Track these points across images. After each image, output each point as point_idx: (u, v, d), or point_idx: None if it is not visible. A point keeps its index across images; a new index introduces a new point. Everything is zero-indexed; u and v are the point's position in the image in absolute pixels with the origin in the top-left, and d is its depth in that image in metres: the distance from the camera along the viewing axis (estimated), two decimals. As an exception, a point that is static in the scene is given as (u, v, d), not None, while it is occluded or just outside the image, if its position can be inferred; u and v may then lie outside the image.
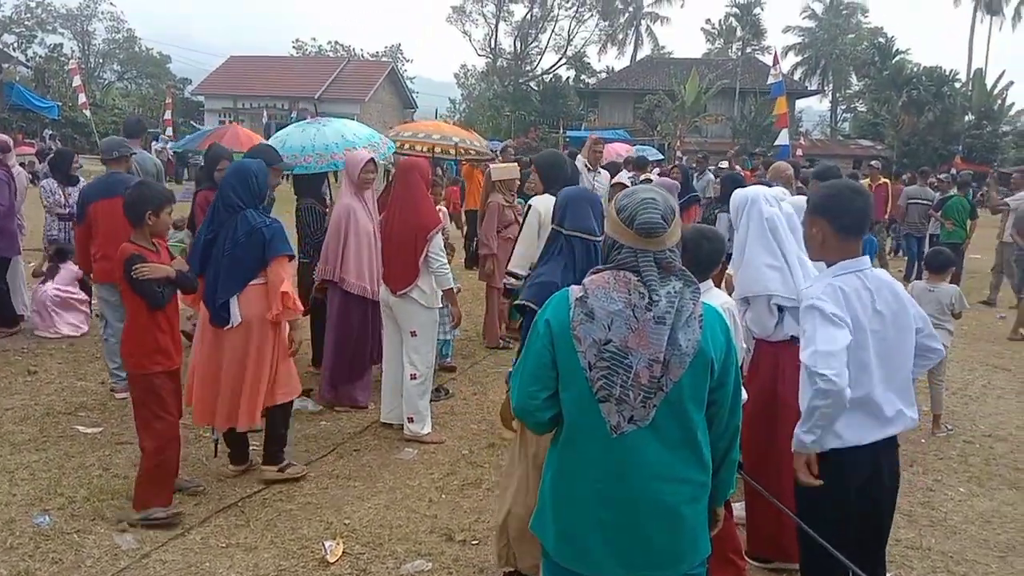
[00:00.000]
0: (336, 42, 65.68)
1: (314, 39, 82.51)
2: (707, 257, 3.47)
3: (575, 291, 2.27)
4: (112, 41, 62.46)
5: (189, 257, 4.59)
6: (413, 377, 5.32)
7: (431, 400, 5.59)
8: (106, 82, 57.77)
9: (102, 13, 60.71)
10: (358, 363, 5.96)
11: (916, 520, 4.59)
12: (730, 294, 4.17)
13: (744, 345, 3.78)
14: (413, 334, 5.34)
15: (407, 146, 9.33)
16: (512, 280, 5.51)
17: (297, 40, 66.12)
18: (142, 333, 4.04)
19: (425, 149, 9.20)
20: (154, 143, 25.35)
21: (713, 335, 2.27)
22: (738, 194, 4.07)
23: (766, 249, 3.84)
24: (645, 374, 2.18)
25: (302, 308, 4.61)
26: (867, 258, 3.01)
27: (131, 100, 49.03)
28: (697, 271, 3.43)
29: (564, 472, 2.35)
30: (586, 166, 8.73)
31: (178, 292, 4.31)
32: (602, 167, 9.47)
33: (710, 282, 3.57)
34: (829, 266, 3.02)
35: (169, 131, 28.35)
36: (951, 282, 6.46)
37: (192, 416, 4.54)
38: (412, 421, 5.37)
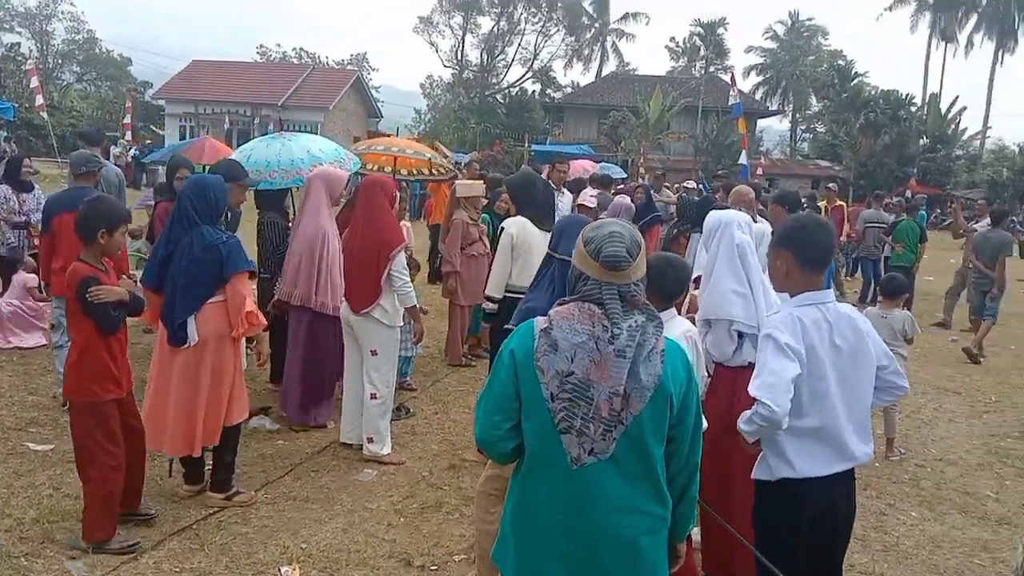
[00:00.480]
0: (301, 49, 65.10)
1: (279, 45, 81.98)
2: (672, 285, 3.54)
3: (540, 322, 2.30)
4: (71, 42, 61.36)
5: (146, 272, 4.49)
6: (373, 396, 5.27)
7: (391, 419, 5.55)
8: (64, 83, 56.73)
9: (62, 13, 59.70)
10: (327, 384, 5.91)
11: (869, 545, 4.66)
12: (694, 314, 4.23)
13: (705, 373, 3.80)
14: (374, 353, 5.28)
15: (377, 167, 9.24)
16: (489, 304, 5.54)
17: (261, 46, 65.63)
18: (94, 359, 3.87)
19: (381, 168, 9.13)
20: (113, 148, 24.96)
21: (674, 370, 2.30)
22: (712, 216, 4.13)
23: (733, 274, 3.89)
24: (606, 407, 2.21)
25: (265, 323, 4.55)
26: (830, 291, 3.09)
27: (90, 103, 48.25)
28: (661, 299, 3.50)
29: (525, 502, 2.36)
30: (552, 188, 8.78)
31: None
32: (565, 186, 9.51)
33: (673, 310, 3.61)
34: (792, 297, 3.07)
35: (128, 135, 27.91)
36: (904, 305, 6.60)
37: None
38: (372, 441, 5.31)
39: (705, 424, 3.53)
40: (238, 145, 13.40)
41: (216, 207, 4.40)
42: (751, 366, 3.73)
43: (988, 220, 10.95)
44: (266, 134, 27.43)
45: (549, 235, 5.21)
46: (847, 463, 3.00)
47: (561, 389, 2.22)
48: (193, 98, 41.65)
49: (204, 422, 4.32)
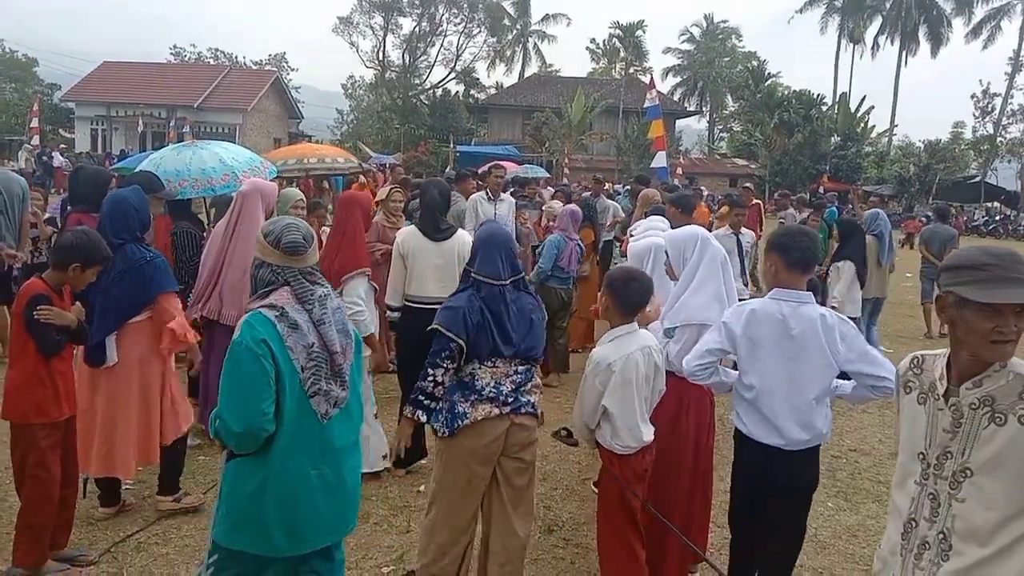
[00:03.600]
0: (217, 49, 63.65)
1: (193, 46, 79.99)
2: (636, 298, 3.57)
3: (269, 312, 2.68)
4: (-31, 41, 58.60)
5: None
6: None
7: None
8: (-38, 85, 54.11)
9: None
10: None
11: (789, 537, 4.80)
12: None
13: (663, 387, 3.77)
14: None
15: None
16: (390, 312, 5.47)
17: (175, 46, 63.76)
18: (27, 379, 3.69)
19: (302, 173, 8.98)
20: (21, 153, 24.00)
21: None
22: (687, 231, 4.20)
23: (715, 281, 4.00)
24: (336, 364, 2.75)
25: (193, 340, 4.46)
26: (808, 294, 3.36)
27: (-8, 105, 46.12)
28: (624, 312, 3.53)
29: (284, 472, 2.66)
30: (487, 196, 8.70)
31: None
32: (504, 190, 9.25)
33: (635, 323, 3.62)
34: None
35: (35, 139, 26.83)
36: (821, 302, 6.86)
37: None
38: None
39: (652, 428, 3.65)
40: (153, 148, 13.04)
41: (140, 223, 4.31)
42: None
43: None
44: (181, 137, 26.83)
45: (439, 245, 5.21)
46: (782, 441, 3.31)
47: (308, 359, 2.68)
48: (105, 100, 40.34)
49: (138, 443, 4.23)
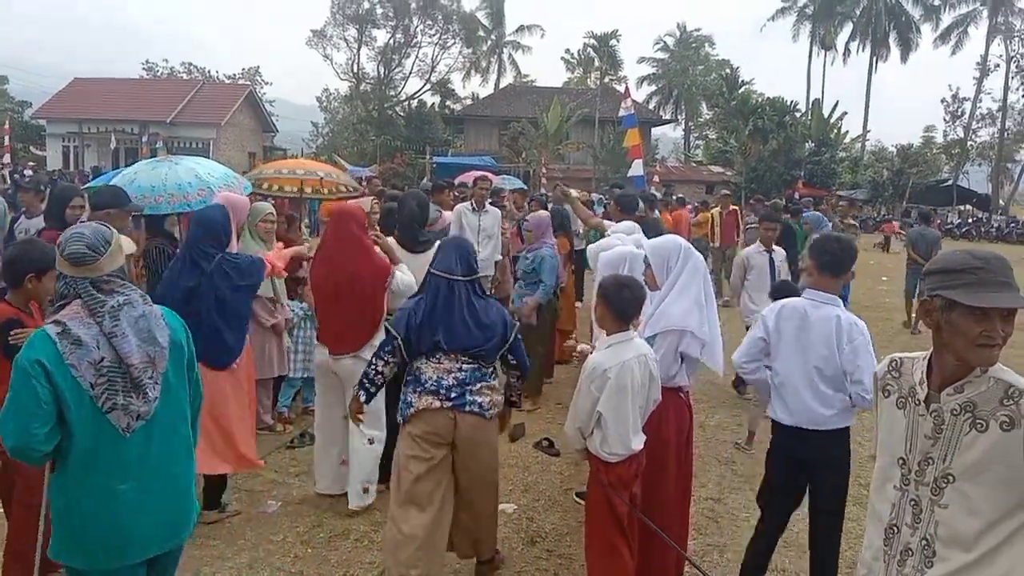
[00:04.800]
0: (190, 64, 62.94)
1: (166, 60, 79.13)
2: (628, 306, 3.60)
3: (52, 329, 2.56)
4: (-62, 59, 57.74)
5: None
6: (371, 441, 4.87)
7: (289, 446, 5.36)
8: (-70, 103, 53.30)
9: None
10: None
11: (771, 543, 4.80)
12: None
13: (658, 396, 3.78)
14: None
15: (274, 186, 8.99)
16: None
17: (147, 61, 62.98)
18: None
19: (293, 188, 8.89)
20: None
21: (176, 325, 2.82)
22: (669, 241, 4.23)
23: (698, 290, 4.04)
24: (139, 377, 2.61)
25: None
26: (834, 297, 3.78)
27: (-40, 123, 45.41)
28: (618, 319, 3.54)
29: (87, 487, 2.61)
30: (472, 207, 8.64)
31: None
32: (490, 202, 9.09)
33: (631, 331, 3.63)
34: None
35: (7, 158, 26.48)
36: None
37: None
38: (367, 491, 4.91)
39: (644, 437, 3.66)
40: (126, 165, 12.91)
41: (227, 239, 4.66)
42: (679, 390, 4.01)
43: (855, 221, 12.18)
44: (155, 152, 26.64)
45: (417, 257, 5.20)
46: (805, 420, 3.74)
47: (98, 375, 2.55)
48: (76, 117, 39.88)
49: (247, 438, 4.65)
